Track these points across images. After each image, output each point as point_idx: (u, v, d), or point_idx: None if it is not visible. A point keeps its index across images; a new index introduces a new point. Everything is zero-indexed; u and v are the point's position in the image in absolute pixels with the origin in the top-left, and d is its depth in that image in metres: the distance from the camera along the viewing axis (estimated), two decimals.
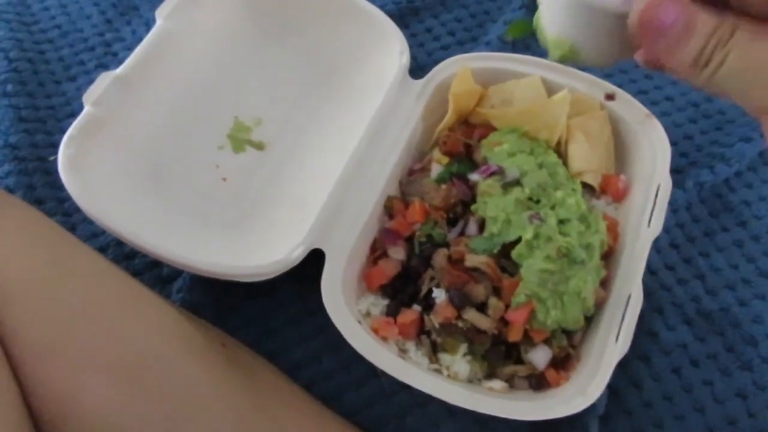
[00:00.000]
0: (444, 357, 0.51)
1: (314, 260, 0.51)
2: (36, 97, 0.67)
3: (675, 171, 0.61)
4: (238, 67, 0.64)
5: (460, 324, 0.50)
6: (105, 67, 0.69)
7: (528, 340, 0.50)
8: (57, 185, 0.61)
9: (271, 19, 0.65)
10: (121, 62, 0.58)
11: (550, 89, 0.59)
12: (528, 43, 0.71)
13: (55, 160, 0.51)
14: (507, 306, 0.50)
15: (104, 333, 0.41)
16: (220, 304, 0.55)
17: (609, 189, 0.58)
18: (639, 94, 0.67)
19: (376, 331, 0.51)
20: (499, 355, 0.51)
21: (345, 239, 0.52)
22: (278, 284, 0.53)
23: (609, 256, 0.54)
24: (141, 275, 0.57)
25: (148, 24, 0.71)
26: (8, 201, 0.47)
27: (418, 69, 0.66)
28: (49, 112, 0.66)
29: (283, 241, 0.52)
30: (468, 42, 0.72)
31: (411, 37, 0.72)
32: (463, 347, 0.50)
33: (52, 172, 0.62)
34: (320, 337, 0.54)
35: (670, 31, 0.25)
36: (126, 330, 0.42)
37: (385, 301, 0.53)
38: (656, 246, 0.57)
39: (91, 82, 0.56)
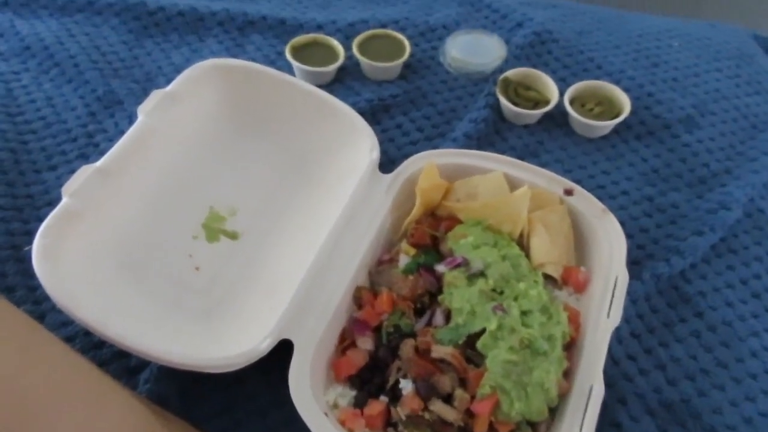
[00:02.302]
0: None
1: (283, 350, 0.52)
2: (15, 186, 0.68)
3: (633, 263, 0.64)
4: (215, 160, 0.67)
5: (427, 416, 0.50)
6: (86, 157, 0.71)
7: None
8: (28, 273, 0.62)
9: (247, 116, 0.69)
10: (102, 153, 0.60)
11: (512, 184, 0.63)
12: (492, 140, 0.75)
13: (29, 250, 0.52)
14: (473, 397, 0.51)
15: (69, 425, 0.40)
16: (187, 395, 0.55)
17: (570, 280, 0.60)
18: (597, 188, 0.71)
19: (343, 422, 0.51)
20: None
21: (314, 329, 0.53)
22: (246, 375, 0.53)
23: (571, 347, 0.55)
24: (108, 365, 0.56)
25: (131, 117, 0.74)
26: None
27: (388, 162, 0.69)
28: (27, 201, 0.67)
29: (253, 331, 0.53)
30: (436, 138, 0.76)
31: (382, 132, 0.75)
32: None
33: (24, 260, 0.63)
34: (286, 430, 0.53)
35: None
36: (90, 423, 0.42)
37: (353, 392, 0.54)
38: (618, 336, 0.59)
39: (71, 171, 0.58)
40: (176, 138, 0.64)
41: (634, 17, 0.97)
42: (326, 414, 0.50)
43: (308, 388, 0.50)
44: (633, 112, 0.76)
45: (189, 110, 0.65)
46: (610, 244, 0.59)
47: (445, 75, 0.83)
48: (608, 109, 0.76)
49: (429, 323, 0.56)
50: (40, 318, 0.59)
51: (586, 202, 0.62)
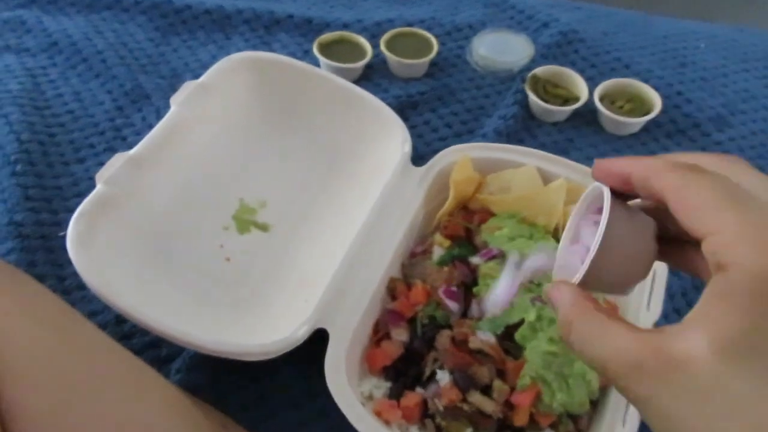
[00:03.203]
0: None
1: (315, 342, 0.51)
2: (44, 177, 0.68)
3: None
4: (246, 152, 0.66)
5: (465, 407, 0.49)
6: (114, 150, 0.71)
7: (534, 424, 0.49)
8: (58, 263, 0.61)
9: (278, 109, 0.68)
10: (130, 146, 0.59)
11: (546, 178, 0.62)
12: (521, 137, 0.75)
13: (63, 236, 0.52)
14: (512, 389, 0.49)
15: (107, 407, 0.40)
16: (219, 385, 0.54)
17: None
18: None
19: (379, 414, 0.50)
20: None
21: (348, 320, 0.52)
22: (278, 366, 0.52)
23: None
24: (139, 355, 0.55)
25: (159, 112, 0.74)
26: (14, 275, 0.47)
27: (417, 158, 0.68)
28: (55, 192, 0.67)
29: (285, 321, 0.52)
30: (464, 134, 0.75)
31: (410, 128, 0.74)
32: (468, 431, 0.49)
33: (54, 249, 0.62)
34: (321, 421, 0.52)
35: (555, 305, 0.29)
36: (129, 405, 0.41)
37: (388, 384, 0.52)
38: None
39: (99, 163, 0.58)
40: (208, 129, 0.64)
41: (658, 20, 0.96)
42: (362, 404, 0.49)
43: (344, 378, 0.49)
44: (663, 111, 0.76)
45: (220, 102, 0.64)
46: None
47: (472, 73, 0.82)
48: (638, 106, 0.76)
49: (464, 315, 0.55)
50: None
51: None
